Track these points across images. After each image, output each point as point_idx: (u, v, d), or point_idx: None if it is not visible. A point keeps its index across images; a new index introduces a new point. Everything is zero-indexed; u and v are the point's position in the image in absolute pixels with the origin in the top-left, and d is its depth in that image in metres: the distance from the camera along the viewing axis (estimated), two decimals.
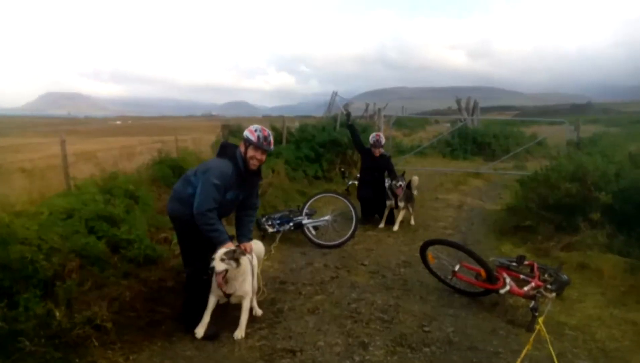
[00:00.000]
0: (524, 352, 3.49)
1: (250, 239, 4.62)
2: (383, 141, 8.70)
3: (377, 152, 8.64)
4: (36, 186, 6.93)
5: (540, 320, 3.51)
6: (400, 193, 8.28)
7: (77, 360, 3.65)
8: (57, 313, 3.76)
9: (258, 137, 4.31)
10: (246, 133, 4.39)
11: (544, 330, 3.47)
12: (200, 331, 4.26)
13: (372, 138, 8.72)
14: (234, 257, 4.12)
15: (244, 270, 4.26)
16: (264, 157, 4.43)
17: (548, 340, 3.48)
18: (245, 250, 4.41)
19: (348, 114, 10.61)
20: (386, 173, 8.65)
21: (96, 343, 3.85)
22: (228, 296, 4.33)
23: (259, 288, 4.97)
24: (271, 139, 4.45)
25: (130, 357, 3.91)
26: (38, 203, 5.65)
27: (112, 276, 4.91)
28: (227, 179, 4.20)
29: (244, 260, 4.26)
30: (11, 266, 3.89)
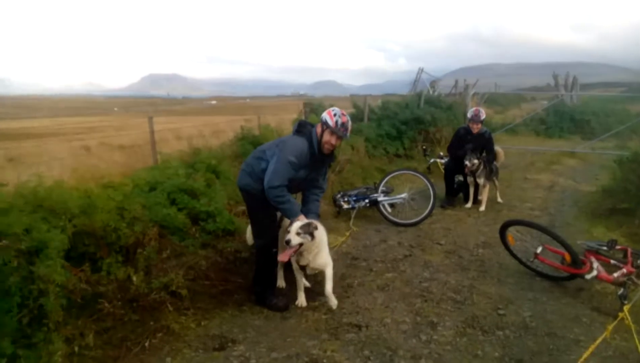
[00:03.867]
0: (600, 338, 3.21)
1: (318, 216, 4.57)
2: (483, 116, 8.04)
3: (476, 128, 8.05)
4: (130, 161, 7.40)
5: (626, 308, 3.20)
6: (466, 171, 7.86)
7: (151, 323, 3.87)
8: (135, 279, 3.98)
9: (336, 122, 4.23)
10: (325, 116, 4.30)
11: (629, 318, 3.16)
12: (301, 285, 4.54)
13: (470, 111, 8.28)
14: (309, 231, 4.10)
15: (318, 243, 4.23)
16: (338, 142, 4.35)
17: (633, 330, 3.18)
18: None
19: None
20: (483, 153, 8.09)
21: (170, 308, 4.05)
22: (303, 267, 4.36)
23: None
24: (349, 126, 4.36)
25: (202, 323, 4.08)
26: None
27: (190, 246, 5.12)
28: (302, 158, 4.20)
29: (319, 232, 4.22)
30: (95, 234, 4.15)
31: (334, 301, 4.39)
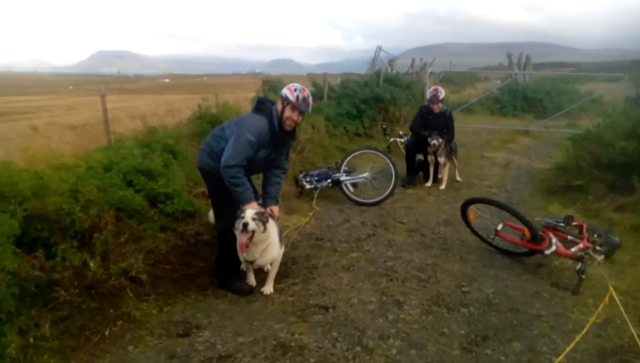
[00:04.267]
0: (590, 323, 3.28)
1: (277, 202, 4.46)
2: (442, 95, 8.14)
3: (437, 108, 8.16)
4: (82, 141, 7.07)
5: (611, 287, 3.26)
6: (430, 150, 7.97)
7: (111, 311, 3.70)
8: (92, 264, 3.80)
9: (297, 97, 4.08)
10: (285, 91, 4.15)
11: (616, 296, 3.22)
12: (251, 280, 4.39)
13: (429, 92, 8.33)
14: (263, 220, 3.95)
15: (267, 236, 4.05)
16: (300, 118, 4.20)
17: (619, 304, 3.24)
18: (272, 212, 4.28)
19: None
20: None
21: (131, 295, 3.88)
22: (250, 263, 4.25)
23: None
24: (310, 100, 4.22)
25: (164, 309, 3.95)
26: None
27: (149, 229, 4.93)
28: (262, 137, 4.05)
29: (270, 225, 4.08)
30: (48, 218, 3.93)
31: (270, 289, 4.31)
